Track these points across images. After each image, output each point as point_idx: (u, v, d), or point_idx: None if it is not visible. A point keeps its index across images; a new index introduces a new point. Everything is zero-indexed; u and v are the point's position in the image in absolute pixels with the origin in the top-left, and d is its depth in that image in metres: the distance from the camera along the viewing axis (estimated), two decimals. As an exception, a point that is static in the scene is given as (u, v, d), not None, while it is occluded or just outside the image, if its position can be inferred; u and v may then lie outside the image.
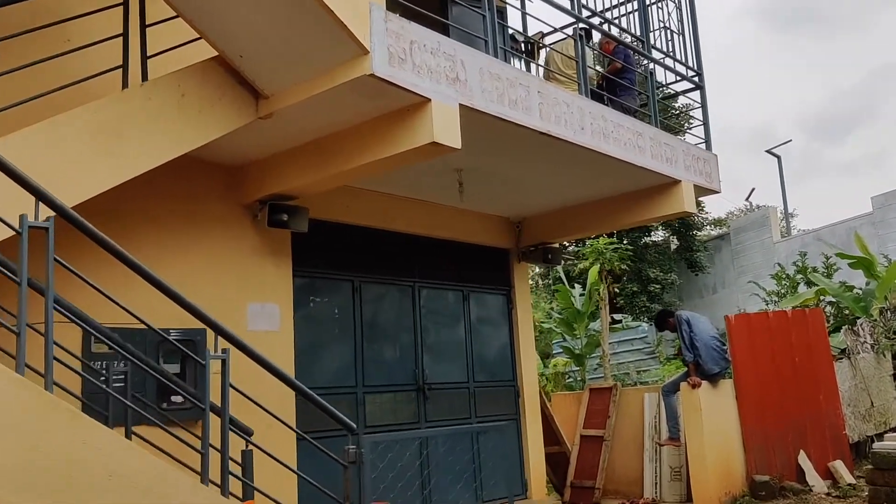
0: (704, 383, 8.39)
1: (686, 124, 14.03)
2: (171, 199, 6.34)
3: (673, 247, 29.46)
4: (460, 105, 5.85)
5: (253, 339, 6.39)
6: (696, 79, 9.43)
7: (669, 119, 11.93)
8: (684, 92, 9.62)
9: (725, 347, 8.61)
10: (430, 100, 5.63)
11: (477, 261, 9.40)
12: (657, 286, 27.90)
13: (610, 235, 26.70)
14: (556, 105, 6.85)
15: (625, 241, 28.37)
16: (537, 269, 30.46)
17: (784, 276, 17.51)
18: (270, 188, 6.67)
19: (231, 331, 4.67)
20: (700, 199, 9.49)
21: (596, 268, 17.87)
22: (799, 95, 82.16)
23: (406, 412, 8.18)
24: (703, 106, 9.46)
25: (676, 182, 8.43)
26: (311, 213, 7.38)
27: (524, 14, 10.47)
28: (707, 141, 9.32)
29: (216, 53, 5.47)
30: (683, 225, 29.87)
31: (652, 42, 9.24)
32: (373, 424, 7.74)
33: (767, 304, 17.74)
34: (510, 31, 10.37)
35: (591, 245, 18.19)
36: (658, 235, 31.44)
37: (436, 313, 8.75)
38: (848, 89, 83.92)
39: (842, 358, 10.73)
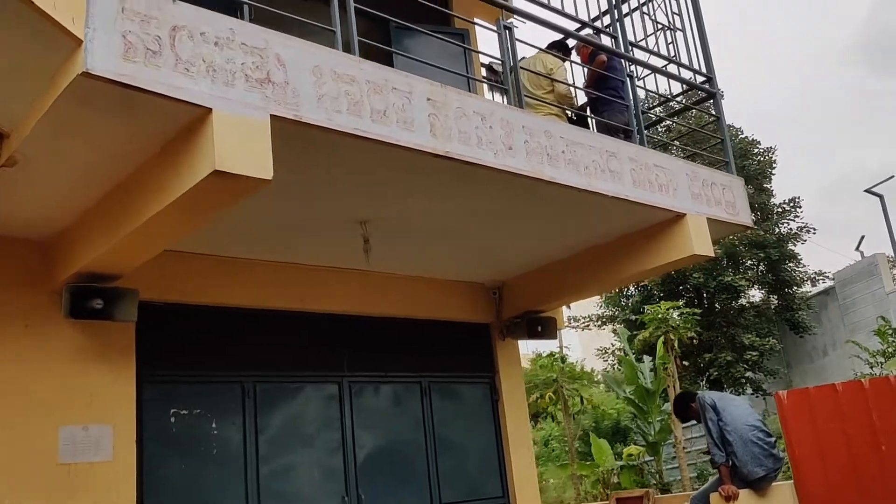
0: (744, 492, 5.89)
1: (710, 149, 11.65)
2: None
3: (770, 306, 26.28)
4: (275, 117, 3.94)
5: (67, 476, 4.58)
6: (707, 85, 7.25)
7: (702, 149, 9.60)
8: (697, 104, 7.43)
9: (773, 440, 6.09)
10: (210, 110, 3.75)
11: (442, 342, 7.32)
12: (754, 353, 24.72)
13: (674, 297, 23.92)
14: (462, 118, 4.85)
15: (701, 303, 25.51)
16: (614, 342, 27.74)
17: (890, 331, 14.47)
18: (74, 265, 4.89)
19: None
20: (730, 236, 7.17)
21: (661, 339, 15.36)
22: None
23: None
24: (719, 118, 7.24)
25: (679, 216, 6.20)
26: (172, 296, 5.61)
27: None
28: (728, 162, 7.07)
29: None
30: (779, 281, 26.69)
31: (650, 47, 7.19)
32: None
33: (872, 368, 14.74)
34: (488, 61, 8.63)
35: (652, 311, 15.70)
36: (754, 295, 28.28)
37: (376, 418, 6.66)
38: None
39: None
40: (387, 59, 7.10)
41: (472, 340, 7.57)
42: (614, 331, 28.09)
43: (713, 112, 7.28)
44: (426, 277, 7.14)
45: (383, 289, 6.80)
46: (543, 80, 7.16)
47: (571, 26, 6.76)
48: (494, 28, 5.72)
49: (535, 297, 7.39)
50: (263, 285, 6.06)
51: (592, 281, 6.95)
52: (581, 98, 7.96)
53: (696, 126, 8.22)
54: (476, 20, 7.40)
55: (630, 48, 6.86)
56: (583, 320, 30.23)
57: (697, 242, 6.17)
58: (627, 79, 6.53)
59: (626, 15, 7.43)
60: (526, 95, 6.94)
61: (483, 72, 8.43)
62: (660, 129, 23.80)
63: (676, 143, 13.72)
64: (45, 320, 5.04)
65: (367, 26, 7.61)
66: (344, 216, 5.56)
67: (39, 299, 5.05)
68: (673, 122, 7.30)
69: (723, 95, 7.52)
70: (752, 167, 27.09)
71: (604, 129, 6.85)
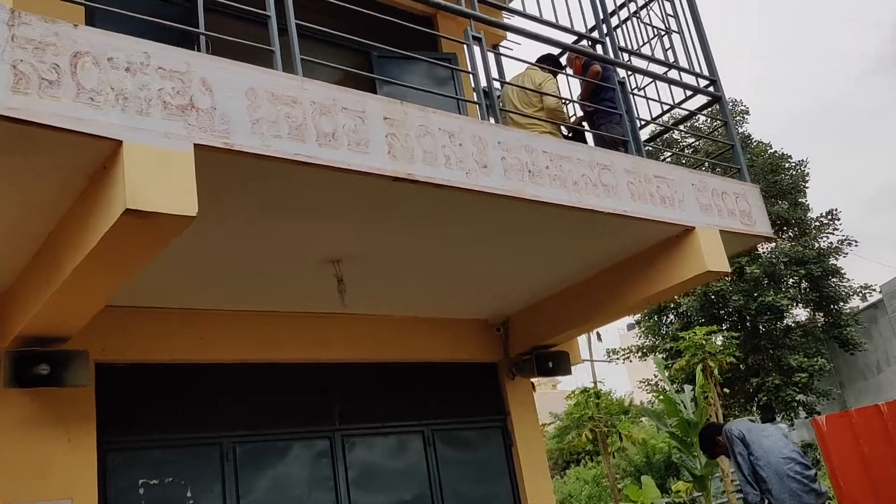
0: (786, 536, 5.21)
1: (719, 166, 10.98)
2: None
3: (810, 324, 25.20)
4: (200, 147, 3.51)
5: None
6: (711, 88, 6.71)
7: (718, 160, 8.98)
8: (701, 109, 6.88)
9: (813, 472, 5.39)
10: (120, 142, 3.32)
11: (444, 385, 6.78)
12: (803, 375, 23.65)
13: (715, 322, 22.99)
14: (426, 136, 4.37)
15: (744, 326, 24.55)
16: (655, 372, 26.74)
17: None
18: (14, 329, 4.47)
19: None
20: (753, 249, 6.54)
21: (699, 367, 14.54)
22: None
23: None
24: (727, 123, 6.68)
25: (688, 231, 5.63)
26: (134, 355, 5.19)
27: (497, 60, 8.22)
28: (740, 169, 6.49)
29: None
30: (823, 297, 25.63)
31: (648, 54, 6.70)
32: None
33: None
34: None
35: (688, 337, 14.94)
36: (799, 314, 27.20)
37: (375, 474, 6.09)
38: None
39: None
40: (370, 89, 6.78)
41: (479, 382, 7.00)
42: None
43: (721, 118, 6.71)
44: (420, 317, 6.62)
45: (373, 332, 6.29)
46: (533, 97, 6.71)
47: (565, 39, 6.28)
48: (463, 41, 5.23)
49: (542, 331, 6.82)
50: (236, 337, 5.60)
51: (601, 309, 6.36)
52: (577, 112, 7.52)
53: (711, 137, 7.58)
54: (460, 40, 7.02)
55: (621, 55, 6.36)
56: (622, 352, 29.35)
57: (710, 258, 5.58)
58: (619, 87, 5.98)
59: (623, 23, 6.98)
60: (514, 113, 6.56)
61: (476, 96, 8.02)
62: (684, 149, 23.16)
63: (702, 159, 13.11)
64: (-10, 391, 4.61)
65: (351, 58, 7.31)
66: (311, 255, 5.10)
67: (-18, 368, 4.62)
68: (684, 133, 6.68)
69: (743, 106, 6.98)
70: (785, 182, 26.28)
71: (603, 142, 6.36)
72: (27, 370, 4.47)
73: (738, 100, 29.83)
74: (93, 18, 5.32)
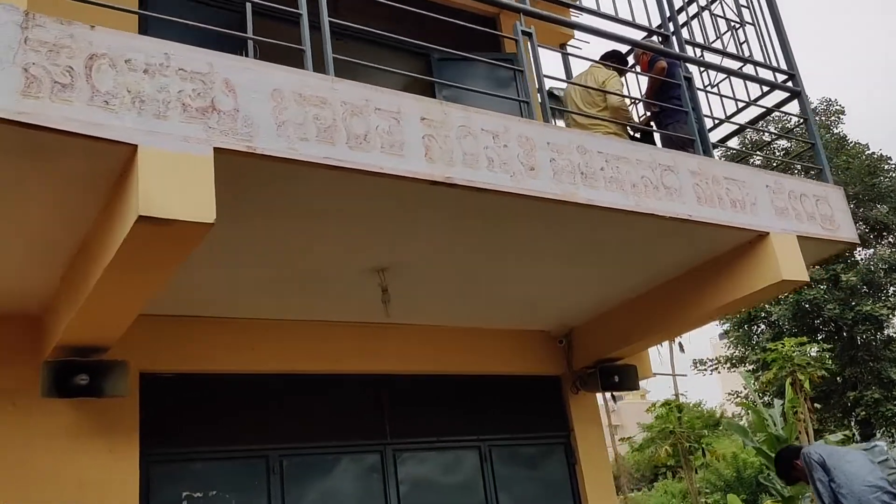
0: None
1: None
2: None
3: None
4: (220, 150, 3.35)
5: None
6: (789, 83, 6.23)
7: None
8: (779, 106, 6.40)
9: (905, 503, 4.87)
10: (135, 146, 3.19)
11: (503, 399, 6.49)
12: (906, 388, 22.29)
13: (810, 332, 21.82)
14: (467, 137, 4.12)
15: (840, 336, 23.26)
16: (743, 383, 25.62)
17: None
18: (54, 339, 4.44)
19: None
20: (840, 255, 6.03)
21: (788, 380, 13.74)
22: None
23: None
24: (807, 120, 6.17)
25: (761, 236, 5.20)
26: (180, 365, 5.13)
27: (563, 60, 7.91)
28: (822, 170, 5.99)
29: None
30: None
31: (721, 47, 6.30)
32: None
33: None
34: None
35: (775, 349, 14.11)
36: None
37: (428, 490, 5.86)
38: None
39: None
40: (431, 93, 6.58)
41: (540, 396, 6.68)
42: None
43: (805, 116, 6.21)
44: (478, 328, 6.36)
45: (427, 343, 6.07)
46: (596, 97, 6.38)
47: (631, 35, 5.92)
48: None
49: (607, 344, 6.45)
50: (284, 347, 5.46)
51: (669, 320, 5.96)
52: (645, 112, 7.15)
53: (791, 136, 7.05)
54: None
55: (693, 50, 5.98)
56: (710, 363, 28.31)
57: (786, 265, 5.13)
58: (685, 83, 5.59)
59: (693, 17, 6.58)
60: (577, 114, 6.25)
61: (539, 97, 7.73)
62: (776, 151, 22.17)
63: (790, 161, 12.42)
64: (34, 399, 4.57)
65: (412, 62, 7.14)
66: (354, 264, 4.91)
67: (28, 376, 4.59)
68: (762, 132, 6.19)
69: (839, 106, 6.48)
70: (884, 185, 24.87)
71: (670, 143, 5.99)
72: (67, 380, 4.40)
73: (833, 99, 28.41)
74: (146, 27, 5.36)
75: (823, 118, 27.71)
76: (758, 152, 13.25)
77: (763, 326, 26.83)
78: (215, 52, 3.53)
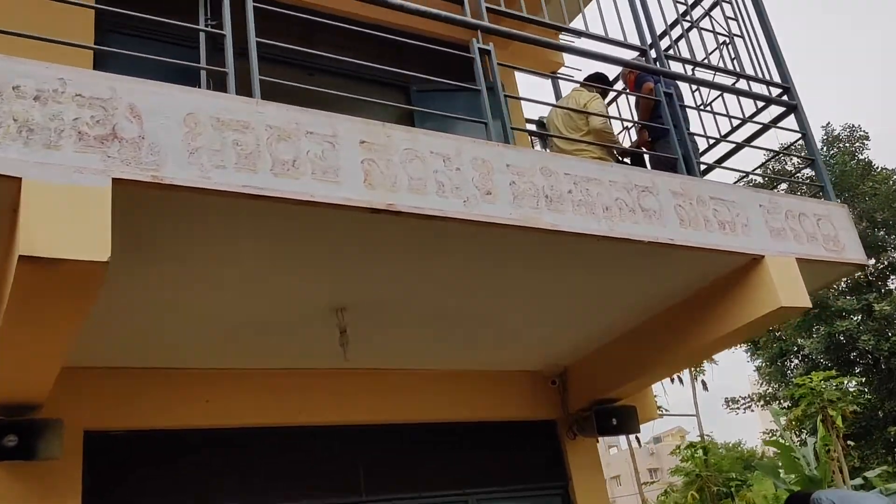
0: None
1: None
2: None
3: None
4: (120, 181, 3.02)
5: None
6: (785, 97, 5.82)
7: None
8: (775, 122, 5.98)
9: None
10: (19, 179, 2.87)
11: (493, 447, 6.03)
12: (949, 421, 21.26)
13: (846, 366, 20.93)
14: (414, 160, 3.77)
15: (878, 369, 22.37)
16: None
17: None
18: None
19: None
20: (848, 277, 5.53)
21: (819, 417, 13.00)
22: None
23: None
24: (805, 134, 5.75)
25: (755, 260, 4.75)
26: (127, 422, 4.73)
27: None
28: (823, 187, 5.55)
29: None
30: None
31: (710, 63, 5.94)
32: None
33: None
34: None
35: (803, 384, 13.40)
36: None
37: (409, 549, 5.39)
38: None
39: None
40: (410, 122, 6.32)
41: (534, 442, 6.21)
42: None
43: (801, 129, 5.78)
44: (461, 371, 5.94)
45: (406, 389, 5.65)
46: (579, 121, 6.03)
47: (618, 54, 5.61)
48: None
49: (602, 384, 5.99)
50: (243, 398, 5.08)
51: (664, 356, 5.49)
52: (633, 135, 6.79)
53: (793, 153, 6.61)
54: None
55: (676, 66, 5.62)
56: (743, 401, 27.38)
57: (785, 291, 4.68)
58: (666, 99, 5.22)
59: (682, 36, 6.23)
60: (560, 138, 5.92)
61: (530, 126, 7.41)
62: (800, 178, 21.59)
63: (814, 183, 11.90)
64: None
65: (393, 96, 6.88)
66: (308, 305, 4.54)
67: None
68: (762, 149, 5.81)
69: (862, 132, 6.05)
70: (914, 209, 24.14)
71: (662, 166, 5.60)
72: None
73: (857, 125, 27.84)
74: (103, 65, 5.16)
75: (847, 144, 27.12)
76: (773, 175, 12.75)
77: (796, 361, 25.95)
78: (119, 76, 3.23)
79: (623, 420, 6.03)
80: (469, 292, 4.76)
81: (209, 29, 3.82)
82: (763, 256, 4.73)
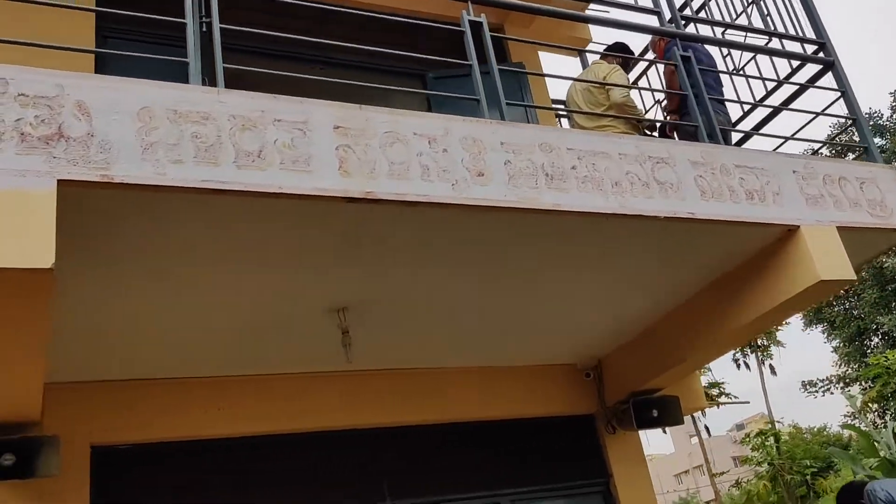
0: None
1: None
2: None
3: None
4: (67, 182, 2.85)
5: None
6: (820, 54, 5.36)
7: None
8: (812, 81, 5.52)
9: None
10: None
11: (526, 446, 5.73)
12: None
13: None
14: (395, 144, 3.50)
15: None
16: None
17: None
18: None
19: None
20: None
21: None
22: None
23: None
24: (845, 92, 5.27)
25: (790, 231, 4.34)
26: (136, 435, 4.61)
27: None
28: (867, 148, 5.08)
29: None
30: None
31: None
32: None
33: None
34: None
35: (877, 363, 12.64)
36: None
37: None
38: None
39: None
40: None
41: (571, 439, 5.88)
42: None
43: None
44: (489, 367, 5.65)
45: (428, 388, 5.40)
46: (599, 95, 5.69)
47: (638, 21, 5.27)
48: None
49: (639, 374, 5.61)
50: (258, 405, 4.89)
51: (700, 342, 5.09)
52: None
53: (830, 114, 6.01)
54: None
55: (704, 31, 5.23)
56: (820, 384, 26.28)
57: (824, 264, 4.25)
58: (682, 62, 4.83)
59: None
60: (581, 113, 5.61)
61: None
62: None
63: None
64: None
65: (410, 84, 6.65)
66: (315, 305, 4.32)
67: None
68: (799, 111, 5.31)
69: None
70: None
71: (689, 138, 5.22)
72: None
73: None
74: (103, 67, 5.13)
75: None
76: (816, 140, 12.07)
77: (876, 339, 24.76)
78: (68, 73, 3.04)
79: (664, 411, 5.65)
80: (486, 284, 4.48)
81: (176, 19, 3.62)
82: (798, 227, 4.31)
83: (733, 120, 5.89)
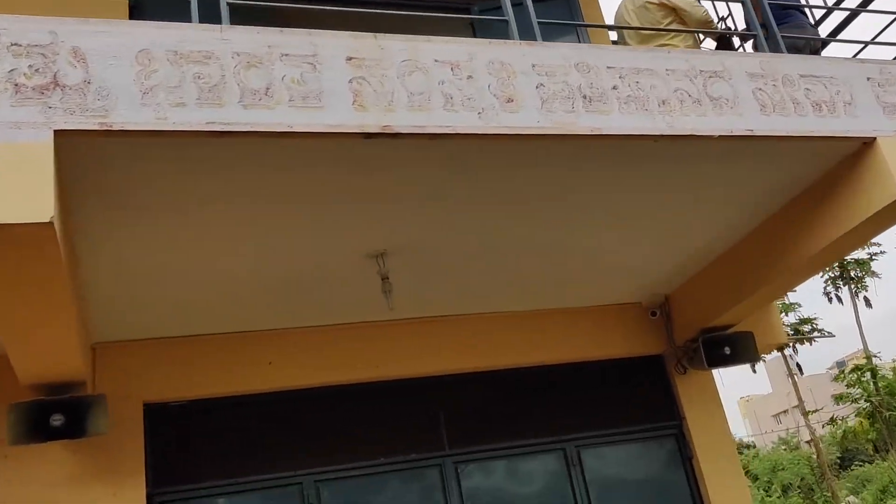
0: None
1: None
2: None
3: None
4: (64, 132, 2.73)
5: None
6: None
7: None
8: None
9: None
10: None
11: (590, 390, 5.50)
12: None
13: None
14: (414, 73, 3.27)
15: None
16: None
17: None
18: (15, 379, 4.01)
19: None
20: None
21: None
22: None
23: None
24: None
25: (866, 144, 3.92)
26: (190, 391, 4.63)
27: None
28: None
29: None
30: None
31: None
32: None
33: None
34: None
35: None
36: None
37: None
38: None
39: None
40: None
41: (639, 381, 5.61)
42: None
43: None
44: (550, 309, 5.40)
45: (488, 334, 5.21)
46: (657, 13, 5.29)
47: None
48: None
49: (709, 310, 5.27)
50: (309, 357, 4.81)
51: (773, 271, 4.70)
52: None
53: None
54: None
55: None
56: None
57: (908, 175, 3.82)
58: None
59: None
60: (642, 30, 5.24)
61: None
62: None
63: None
64: (27, 447, 4.18)
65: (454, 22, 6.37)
66: (353, 251, 4.16)
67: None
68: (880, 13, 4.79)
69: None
70: None
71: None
72: (39, 423, 3.96)
73: None
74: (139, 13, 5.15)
75: None
76: None
77: None
78: (61, 18, 2.92)
79: (738, 348, 5.31)
80: (534, 221, 4.23)
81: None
82: (874, 139, 3.88)
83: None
